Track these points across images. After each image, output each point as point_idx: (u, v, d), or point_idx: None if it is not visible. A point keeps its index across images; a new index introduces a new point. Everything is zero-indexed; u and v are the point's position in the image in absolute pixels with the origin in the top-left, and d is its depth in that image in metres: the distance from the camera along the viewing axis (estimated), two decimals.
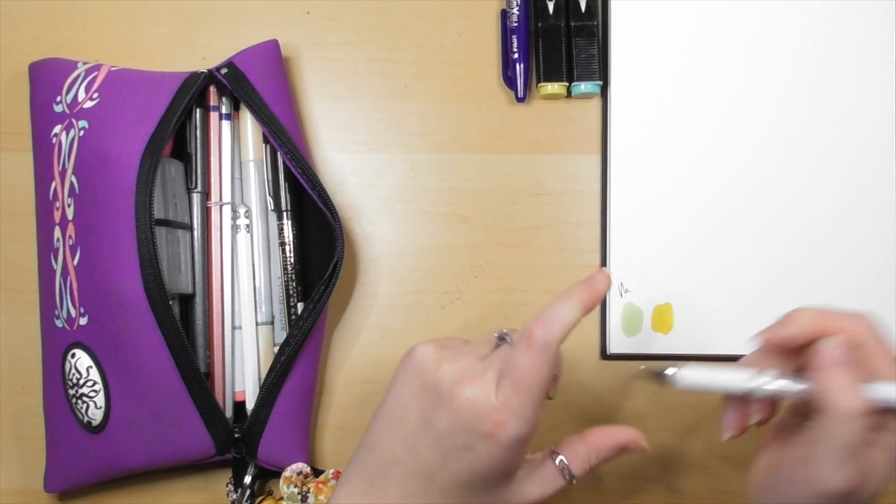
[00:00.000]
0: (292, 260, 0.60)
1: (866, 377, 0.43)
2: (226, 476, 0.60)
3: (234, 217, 0.60)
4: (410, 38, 0.64)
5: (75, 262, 0.56)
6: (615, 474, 0.62)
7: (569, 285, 0.48)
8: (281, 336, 0.60)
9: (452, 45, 0.64)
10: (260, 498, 0.60)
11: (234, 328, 0.59)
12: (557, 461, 0.49)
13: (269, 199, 0.60)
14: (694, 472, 0.62)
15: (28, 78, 0.61)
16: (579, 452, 0.49)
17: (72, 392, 0.57)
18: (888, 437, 0.44)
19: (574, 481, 0.49)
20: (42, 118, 0.59)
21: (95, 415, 0.56)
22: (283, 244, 0.60)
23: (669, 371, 0.47)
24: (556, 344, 0.46)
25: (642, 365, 0.50)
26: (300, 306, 0.60)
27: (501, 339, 0.48)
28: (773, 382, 0.46)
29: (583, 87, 0.62)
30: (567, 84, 0.62)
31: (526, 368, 0.45)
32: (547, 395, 0.49)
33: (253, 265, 0.60)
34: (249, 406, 0.58)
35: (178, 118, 0.56)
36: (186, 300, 0.59)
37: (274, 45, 0.61)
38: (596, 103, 0.63)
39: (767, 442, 0.49)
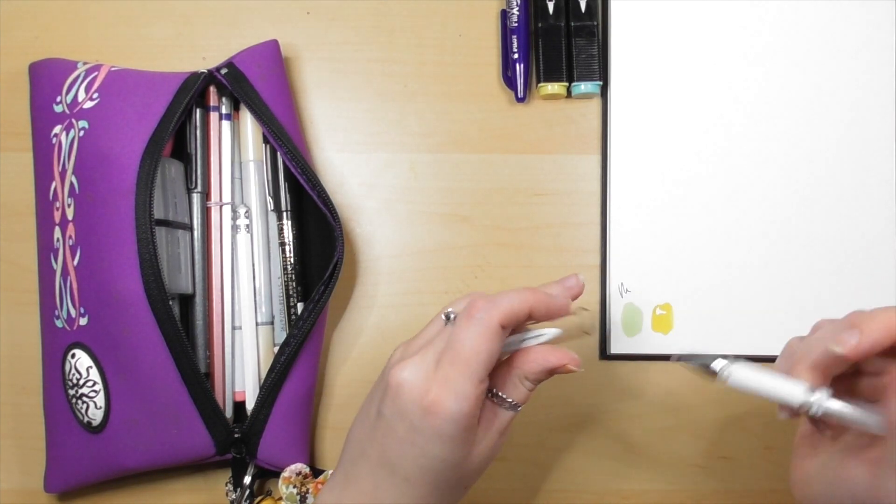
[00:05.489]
0: (292, 260, 0.60)
1: None
2: (225, 476, 0.60)
3: (234, 217, 0.60)
4: (410, 38, 0.64)
5: (75, 262, 0.56)
6: (615, 474, 0.62)
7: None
8: (281, 336, 0.60)
9: (452, 45, 0.63)
10: (259, 498, 0.60)
11: (234, 328, 0.59)
12: (489, 395, 0.48)
13: (269, 200, 0.60)
14: (694, 472, 0.62)
15: (28, 78, 0.61)
16: (507, 379, 0.48)
17: (72, 392, 0.57)
18: None
19: (518, 408, 0.49)
20: (42, 118, 0.59)
21: (95, 415, 0.56)
22: (283, 244, 0.60)
23: (717, 365, 0.45)
24: (497, 320, 0.45)
25: (677, 354, 0.46)
26: (300, 306, 0.60)
27: (447, 318, 0.48)
28: (831, 402, 0.43)
29: (583, 87, 0.62)
30: (567, 84, 0.62)
31: (463, 340, 0.45)
32: (516, 401, 0.48)
33: (253, 265, 0.60)
34: (249, 406, 0.58)
35: (178, 118, 0.56)
36: (186, 300, 0.59)
37: (274, 45, 0.61)
38: (596, 103, 0.63)
39: (803, 443, 0.47)
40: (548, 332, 0.49)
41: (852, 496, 0.43)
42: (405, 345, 0.49)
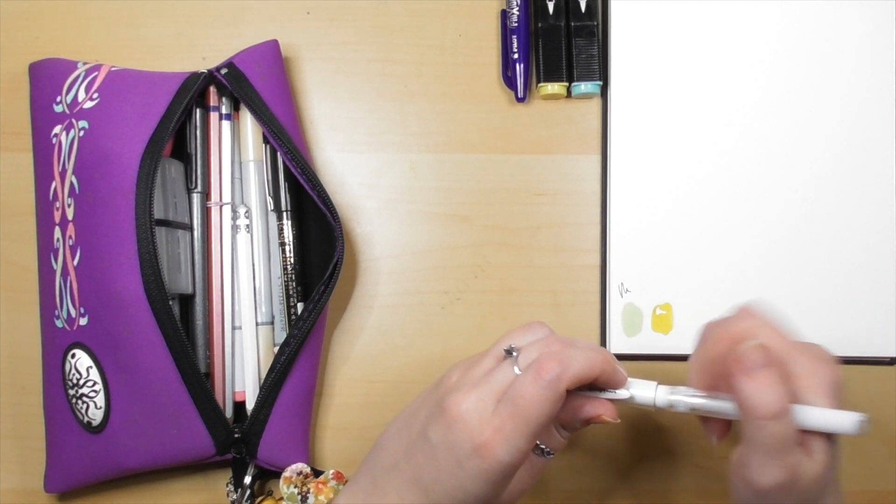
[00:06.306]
0: (292, 260, 0.60)
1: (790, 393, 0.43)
2: (226, 476, 0.60)
3: (234, 217, 0.60)
4: (410, 38, 0.64)
5: (75, 262, 0.56)
6: (615, 474, 0.62)
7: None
8: (281, 336, 0.60)
9: (452, 45, 0.64)
10: (260, 498, 0.60)
11: (234, 328, 0.59)
12: None
13: (269, 200, 0.60)
14: (694, 472, 0.62)
15: (28, 78, 0.61)
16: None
17: (72, 392, 0.57)
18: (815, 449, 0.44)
19: (551, 455, 0.49)
20: (42, 118, 0.59)
21: (95, 415, 0.56)
22: (282, 244, 0.60)
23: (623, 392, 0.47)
24: (566, 384, 0.44)
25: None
26: (300, 306, 0.60)
27: (508, 353, 0.47)
28: (686, 400, 0.46)
29: (583, 87, 0.62)
30: (567, 84, 0.62)
31: (528, 398, 0.44)
32: (549, 446, 0.49)
33: (253, 265, 0.60)
34: (249, 406, 0.58)
35: (178, 118, 0.56)
36: (186, 300, 0.59)
37: (274, 45, 0.61)
38: (596, 103, 0.63)
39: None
40: (620, 393, 0.48)
41: (740, 482, 0.45)
42: (463, 368, 0.48)
